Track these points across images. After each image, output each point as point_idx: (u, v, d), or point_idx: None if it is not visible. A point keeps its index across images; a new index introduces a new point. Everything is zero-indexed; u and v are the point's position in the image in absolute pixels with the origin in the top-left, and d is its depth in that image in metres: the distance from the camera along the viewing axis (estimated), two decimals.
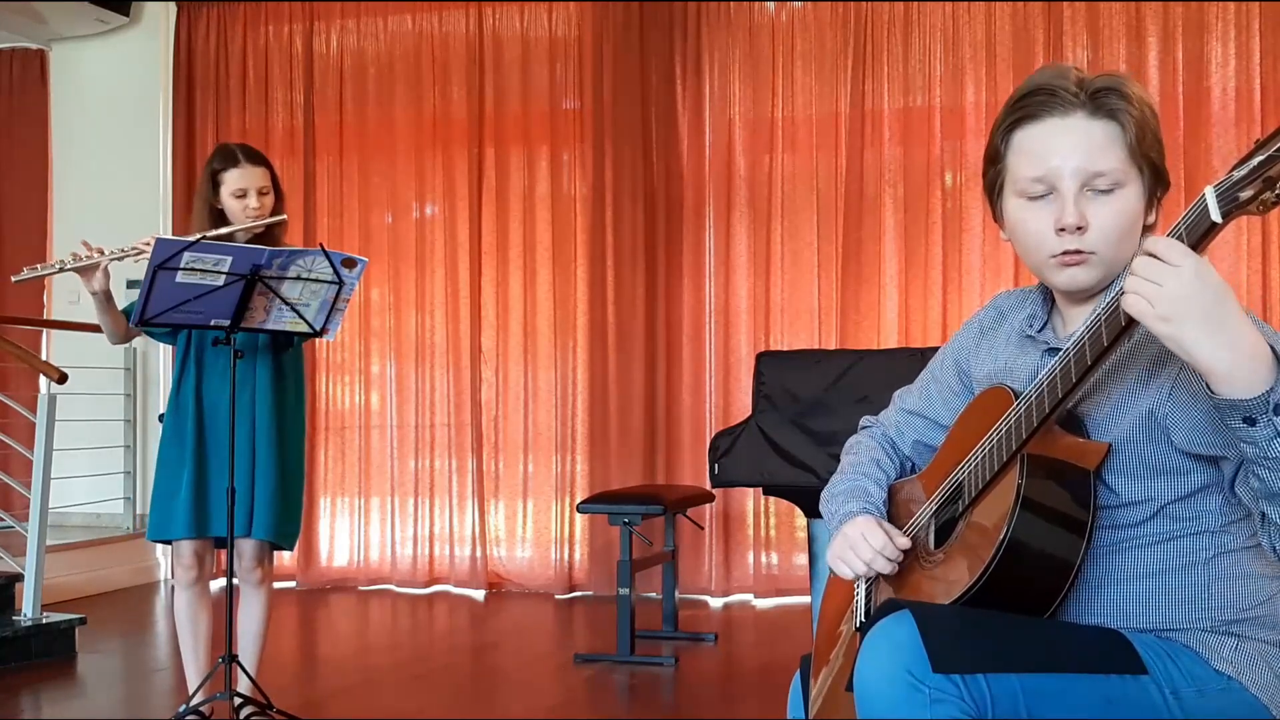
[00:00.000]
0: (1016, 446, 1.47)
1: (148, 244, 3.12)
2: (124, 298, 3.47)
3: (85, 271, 3.18)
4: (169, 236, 3.27)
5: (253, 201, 3.32)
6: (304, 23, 6.54)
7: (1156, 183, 1.54)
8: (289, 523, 3.41)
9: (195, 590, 3.40)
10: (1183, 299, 1.23)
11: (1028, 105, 1.53)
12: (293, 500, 3.43)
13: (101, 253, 3.19)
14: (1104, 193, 1.50)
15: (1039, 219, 1.52)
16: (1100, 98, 1.50)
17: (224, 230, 3.29)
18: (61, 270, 3.22)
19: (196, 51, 6.67)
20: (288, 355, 3.41)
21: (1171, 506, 1.48)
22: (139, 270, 3.06)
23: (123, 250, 3.22)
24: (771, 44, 5.95)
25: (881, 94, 5.80)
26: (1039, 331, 1.62)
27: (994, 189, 1.61)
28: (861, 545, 1.66)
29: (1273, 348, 1.26)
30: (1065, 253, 1.50)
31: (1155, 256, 1.25)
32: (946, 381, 1.82)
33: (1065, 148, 1.50)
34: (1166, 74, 5.48)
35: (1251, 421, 1.25)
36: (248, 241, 3.31)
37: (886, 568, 1.65)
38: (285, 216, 3.41)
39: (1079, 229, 1.49)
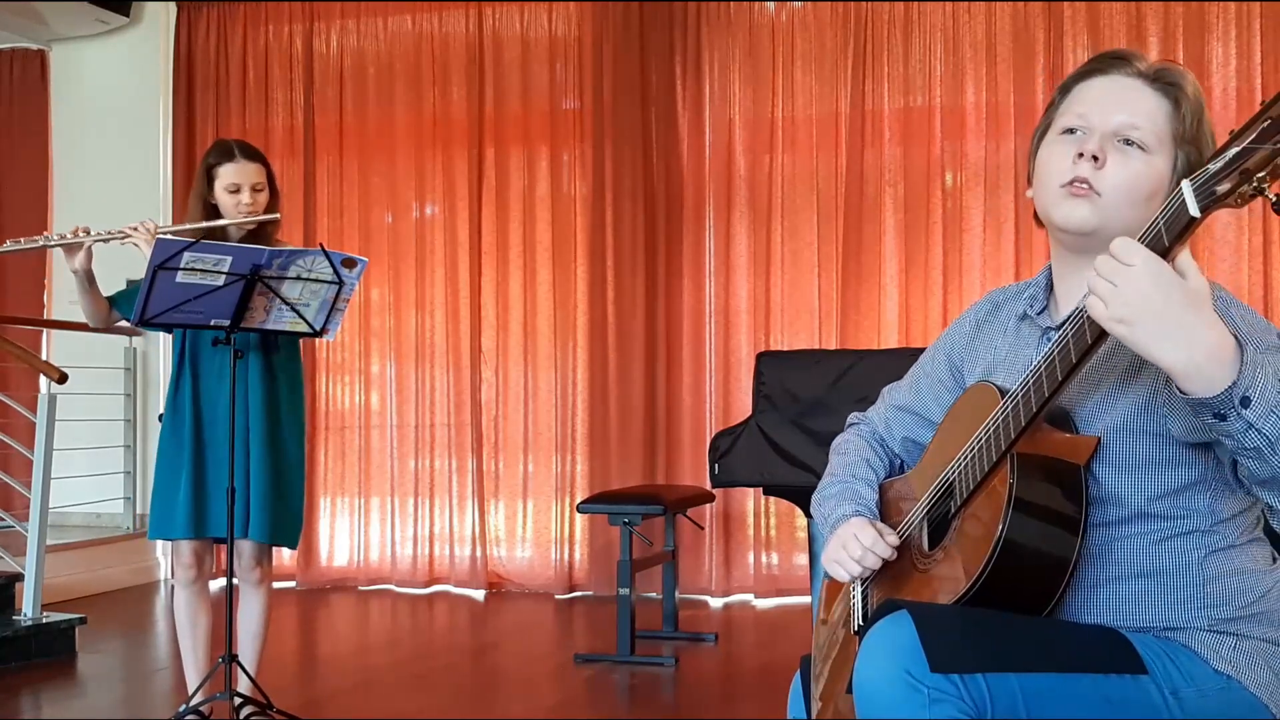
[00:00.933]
0: (1006, 446, 1.47)
1: (134, 229, 3.14)
2: (115, 287, 3.45)
3: (69, 250, 3.21)
4: (165, 230, 3.27)
5: (245, 197, 3.32)
6: (304, 23, 6.54)
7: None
8: (286, 522, 3.39)
9: (195, 589, 3.40)
10: (1136, 299, 1.23)
11: (1098, 62, 1.59)
12: (291, 499, 3.41)
13: (87, 233, 3.22)
14: (1131, 148, 1.52)
15: (1064, 152, 1.54)
16: (1163, 74, 1.55)
17: (214, 224, 3.30)
18: (46, 245, 3.26)
19: (196, 51, 6.67)
20: (281, 354, 3.40)
21: (1159, 503, 1.48)
22: (139, 271, 3.06)
23: (109, 232, 3.24)
24: (771, 44, 5.95)
25: (881, 94, 5.80)
26: (1039, 314, 1.63)
27: (1040, 137, 1.62)
28: (852, 544, 1.67)
29: (1237, 338, 1.26)
30: (1074, 181, 1.52)
31: (1111, 255, 1.25)
32: (938, 376, 1.82)
33: (1114, 102, 1.54)
34: None
35: (1222, 417, 1.26)
36: (241, 239, 3.32)
37: (877, 563, 1.66)
38: (278, 215, 3.39)
39: (1094, 158, 1.51)
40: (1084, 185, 1.51)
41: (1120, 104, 1.53)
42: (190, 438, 3.30)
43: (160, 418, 3.48)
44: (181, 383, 3.34)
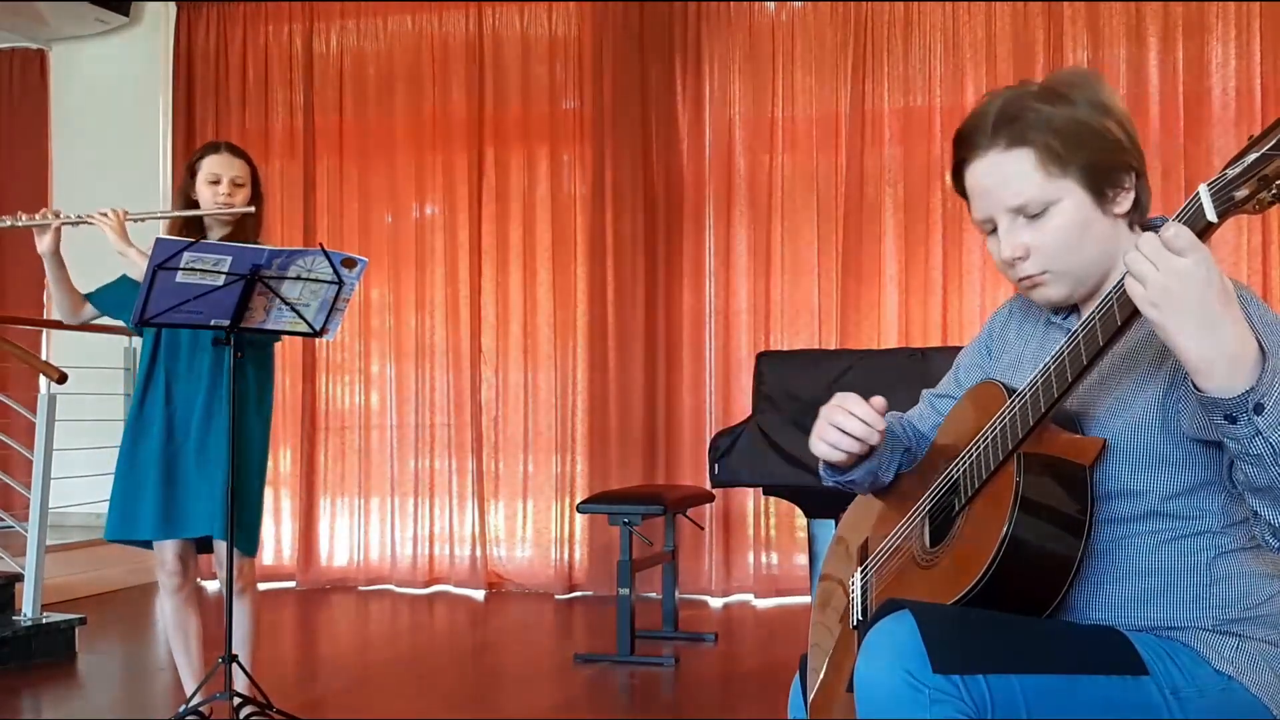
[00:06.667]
0: (1014, 445, 1.47)
1: (104, 214, 3.18)
2: (86, 287, 3.43)
3: (38, 231, 3.25)
4: (134, 215, 3.30)
5: (224, 188, 3.33)
6: (304, 23, 6.54)
7: (1102, 179, 1.51)
8: (241, 523, 3.21)
9: (181, 596, 3.37)
10: (1175, 286, 1.23)
11: (958, 151, 1.60)
12: (247, 500, 3.27)
13: (57, 215, 3.24)
14: (1036, 218, 1.53)
15: (997, 253, 1.60)
16: (1004, 129, 1.52)
17: (187, 213, 3.31)
18: (13, 226, 3.27)
19: (196, 51, 6.67)
20: (250, 353, 3.31)
21: (1174, 502, 1.48)
22: (111, 270, 3.07)
23: (77, 216, 3.26)
24: (771, 44, 5.96)
25: (881, 94, 5.80)
26: (1065, 318, 1.64)
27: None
28: (838, 415, 1.66)
29: (1260, 344, 1.26)
30: (1021, 280, 1.58)
31: (1162, 241, 1.25)
32: (977, 362, 1.83)
33: (989, 189, 1.56)
34: (1166, 74, 5.48)
35: (1232, 420, 1.26)
36: (223, 235, 3.33)
37: (870, 434, 1.66)
38: (253, 209, 3.37)
39: (1019, 259, 1.55)
40: (1028, 279, 1.56)
41: (994, 188, 1.54)
42: (161, 437, 3.26)
43: None
44: (153, 381, 3.31)
